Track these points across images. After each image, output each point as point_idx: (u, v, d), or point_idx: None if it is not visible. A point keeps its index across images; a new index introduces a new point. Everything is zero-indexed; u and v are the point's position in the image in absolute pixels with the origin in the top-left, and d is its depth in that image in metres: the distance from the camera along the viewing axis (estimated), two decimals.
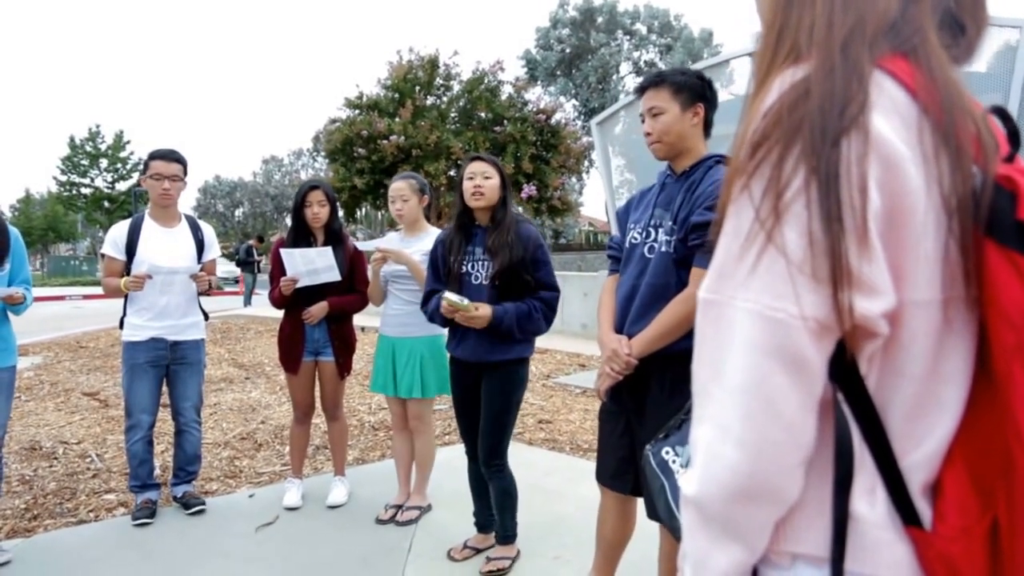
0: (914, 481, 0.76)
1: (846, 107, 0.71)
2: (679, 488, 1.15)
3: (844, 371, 0.75)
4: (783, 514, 0.78)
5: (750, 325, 0.73)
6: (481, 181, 3.00)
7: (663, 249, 2.29)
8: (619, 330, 2.38)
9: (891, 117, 0.73)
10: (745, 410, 0.74)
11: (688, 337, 2.22)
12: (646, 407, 2.34)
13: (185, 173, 3.79)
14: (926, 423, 0.76)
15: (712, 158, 2.32)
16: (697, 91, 2.30)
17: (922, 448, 0.76)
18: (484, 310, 2.90)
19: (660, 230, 2.32)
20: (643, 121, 2.35)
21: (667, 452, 1.12)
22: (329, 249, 3.69)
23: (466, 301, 2.89)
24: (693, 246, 2.21)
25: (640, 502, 2.51)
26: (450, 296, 2.88)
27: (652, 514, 2.37)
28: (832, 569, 0.75)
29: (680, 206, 2.27)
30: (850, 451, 0.75)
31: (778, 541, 0.79)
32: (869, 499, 0.76)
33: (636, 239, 2.40)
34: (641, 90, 2.35)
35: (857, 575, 0.75)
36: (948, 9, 0.81)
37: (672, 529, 1.09)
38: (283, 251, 3.68)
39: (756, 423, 0.73)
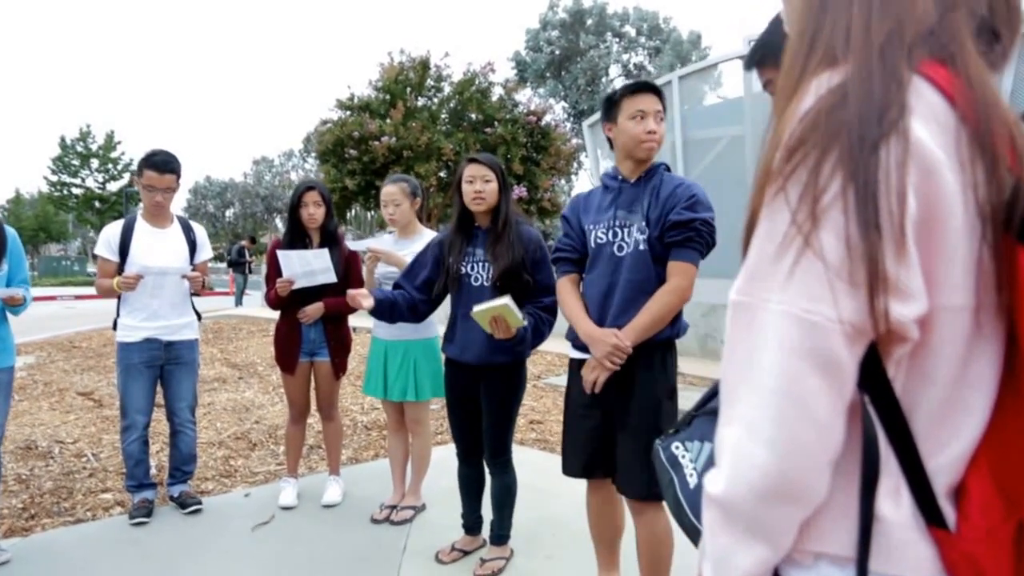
0: (939, 483, 0.76)
1: (885, 112, 0.70)
2: (687, 482, 1.17)
3: (872, 374, 0.75)
4: (809, 514, 0.78)
5: (784, 327, 0.73)
6: (481, 186, 2.98)
7: (641, 248, 2.44)
8: (599, 324, 2.48)
9: (929, 123, 0.72)
10: (776, 411, 0.73)
11: (669, 326, 2.44)
12: (632, 394, 2.43)
13: (179, 179, 3.81)
14: (952, 427, 0.76)
15: (662, 166, 2.54)
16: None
17: (948, 451, 0.76)
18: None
19: (630, 229, 2.46)
20: (640, 119, 2.45)
21: (676, 447, 1.16)
22: (326, 251, 3.71)
23: (524, 320, 2.79)
24: (671, 242, 2.40)
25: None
26: (511, 305, 2.69)
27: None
28: (858, 569, 0.76)
29: (649, 207, 2.44)
30: (876, 453, 0.76)
31: (802, 540, 0.79)
32: (894, 500, 0.76)
33: (602, 239, 2.53)
34: (648, 90, 2.48)
35: (881, 575, 0.76)
36: (983, 17, 0.80)
37: (679, 522, 1.13)
38: (280, 253, 3.69)
39: (787, 424, 0.73)
